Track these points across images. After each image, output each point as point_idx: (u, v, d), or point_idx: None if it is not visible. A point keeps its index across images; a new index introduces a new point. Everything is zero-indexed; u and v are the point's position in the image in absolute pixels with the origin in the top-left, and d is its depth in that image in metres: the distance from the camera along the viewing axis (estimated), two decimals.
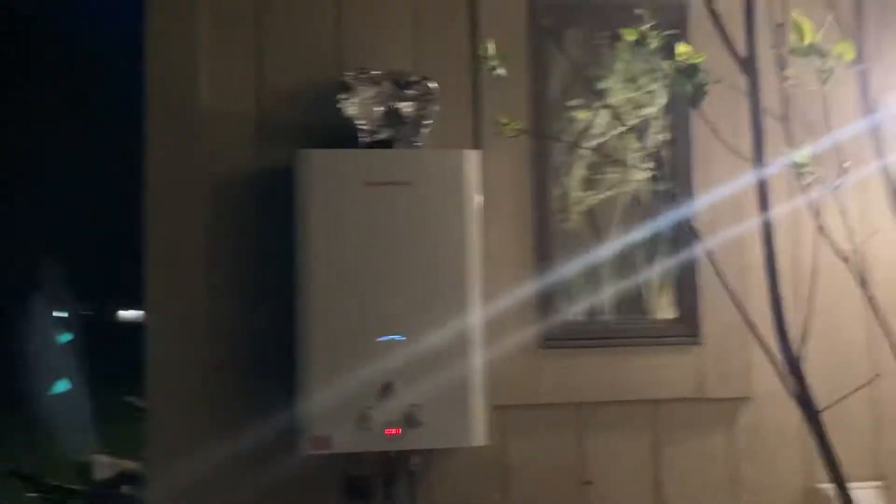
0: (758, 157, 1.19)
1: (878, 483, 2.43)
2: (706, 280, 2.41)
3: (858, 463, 2.45)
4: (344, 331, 2.09)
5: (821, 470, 2.40)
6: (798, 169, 1.17)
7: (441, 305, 2.12)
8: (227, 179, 2.28)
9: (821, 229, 1.39)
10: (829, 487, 2.38)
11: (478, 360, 2.13)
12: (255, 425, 2.21)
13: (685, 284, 2.44)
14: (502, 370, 2.27)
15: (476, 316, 2.13)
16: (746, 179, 2.42)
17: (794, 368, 1.20)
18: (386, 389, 2.07)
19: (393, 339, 2.10)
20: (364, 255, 2.11)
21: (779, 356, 1.34)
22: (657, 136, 2.45)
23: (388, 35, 2.37)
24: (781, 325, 1.23)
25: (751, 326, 1.37)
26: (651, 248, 2.47)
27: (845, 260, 1.53)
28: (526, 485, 2.33)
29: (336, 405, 2.07)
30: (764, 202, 1.22)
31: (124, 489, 3.93)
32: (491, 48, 1.72)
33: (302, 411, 2.07)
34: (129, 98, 2.67)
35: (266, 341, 2.24)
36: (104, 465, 4.06)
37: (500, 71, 1.72)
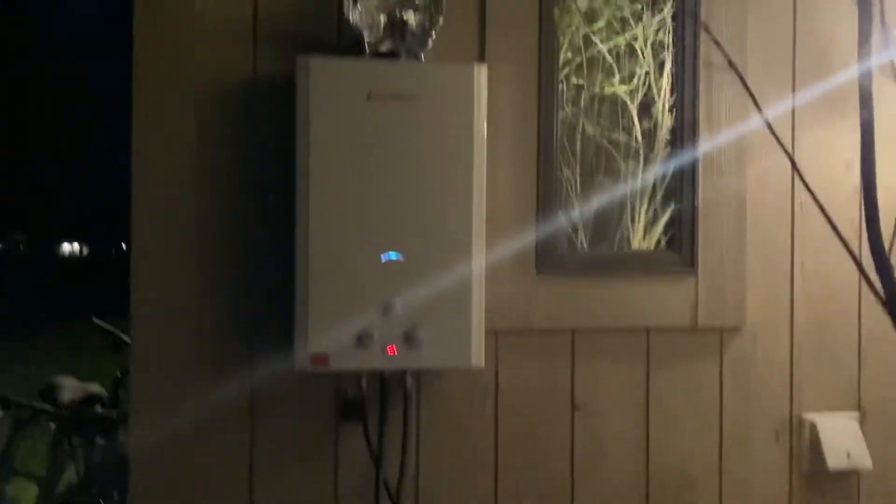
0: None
1: (856, 413, 2.49)
2: (704, 211, 2.41)
3: (840, 393, 2.51)
4: (344, 248, 2.03)
5: (807, 400, 2.48)
6: None
7: (444, 225, 2.07)
8: (221, 90, 2.17)
9: None
10: (814, 417, 2.45)
11: (479, 281, 2.09)
12: (248, 346, 2.17)
13: (683, 215, 2.43)
14: (497, 296, 2.25)
15: (479, 237, 2.09)
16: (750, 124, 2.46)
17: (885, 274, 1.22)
18: (386, 308, 2.03)
19: (392, 259, 2.05)
20: (366, 170, 2.04)
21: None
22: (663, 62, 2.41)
23: None
24: (877, 234, 1.24)
25: (843, 243, 1.39)
26: (651, 178, 2.45)
27: None
28: (517, 409, 2.33)
29: (335, 323, 2.02)
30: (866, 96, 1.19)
31: (97, 409, 3.86)
32: None
33: (300, 329, 2.02)
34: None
35: (262, 262, 2.17)
36: (70, 388, 3.98)
37: None
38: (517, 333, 2.33)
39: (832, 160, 2.52)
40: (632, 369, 2.41)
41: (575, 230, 2.39)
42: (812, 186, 2.21)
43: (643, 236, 2.44)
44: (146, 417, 2.12)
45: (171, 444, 2.12)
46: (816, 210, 2.25)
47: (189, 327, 2.13)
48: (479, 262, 2.09)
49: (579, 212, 2.38)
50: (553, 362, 2.36)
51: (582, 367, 2.38)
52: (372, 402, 2.17)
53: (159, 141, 2.14)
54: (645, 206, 2.42)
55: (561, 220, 2.36)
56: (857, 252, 2.45)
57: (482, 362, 2.11)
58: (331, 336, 2.02)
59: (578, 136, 2.39)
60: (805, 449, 2.45)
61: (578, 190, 2.39)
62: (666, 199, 2.43)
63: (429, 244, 2.06)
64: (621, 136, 2.42)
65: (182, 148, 2.16)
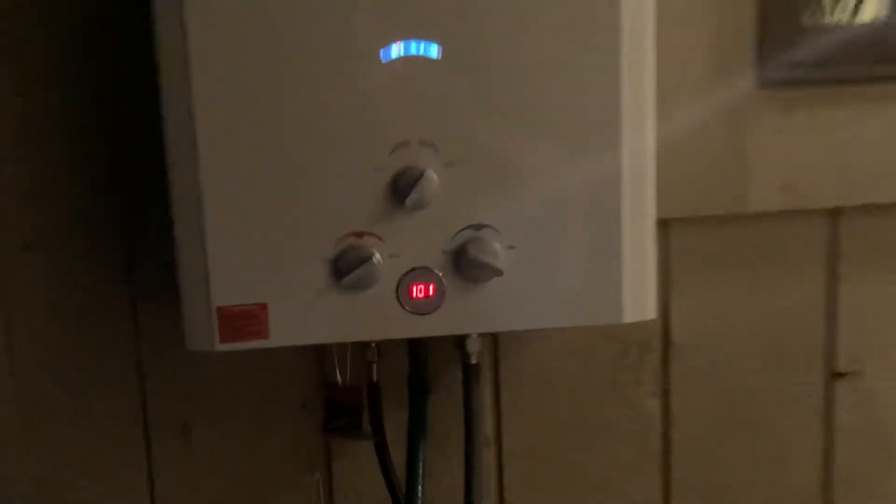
0: None
1: None
2: None
3: None
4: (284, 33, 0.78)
5: None
6: None
7: None
8: None
9: None
10: None
11: (642, 115, 0.81)
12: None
13: None
14: (667, 144, 0.96)
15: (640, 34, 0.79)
16: None
17: None
18: (410, 194, 0.78)
19: (415, 55, 0.78)
20: None
21: None
22: None
23: None
24: None
25: None
26: None
27: None
28: (712, 384, 1.10)
29: (273, 233, 0.80)
30: None
31: None
32: None
33: (190, 257, 0.81)
34: None
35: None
36: None
37: None
38: (711, 224, 1.06)
39: None
40: None
41: None
42: None
43: None
44: None
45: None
46: None
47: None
48: (648, 67, 0.81)
49: None
50: (788, 283, 1.10)
51: (851, 288, 1.10)
52: (394, 393, 0.98)
53: None
54: None
55: None
56: None
57: (653, 310, 0.86)
58: (263, 263, 0.80)
59: None
60: None
61: None
62: None
63: (508, 20, 0.78)
64: None
65: None
